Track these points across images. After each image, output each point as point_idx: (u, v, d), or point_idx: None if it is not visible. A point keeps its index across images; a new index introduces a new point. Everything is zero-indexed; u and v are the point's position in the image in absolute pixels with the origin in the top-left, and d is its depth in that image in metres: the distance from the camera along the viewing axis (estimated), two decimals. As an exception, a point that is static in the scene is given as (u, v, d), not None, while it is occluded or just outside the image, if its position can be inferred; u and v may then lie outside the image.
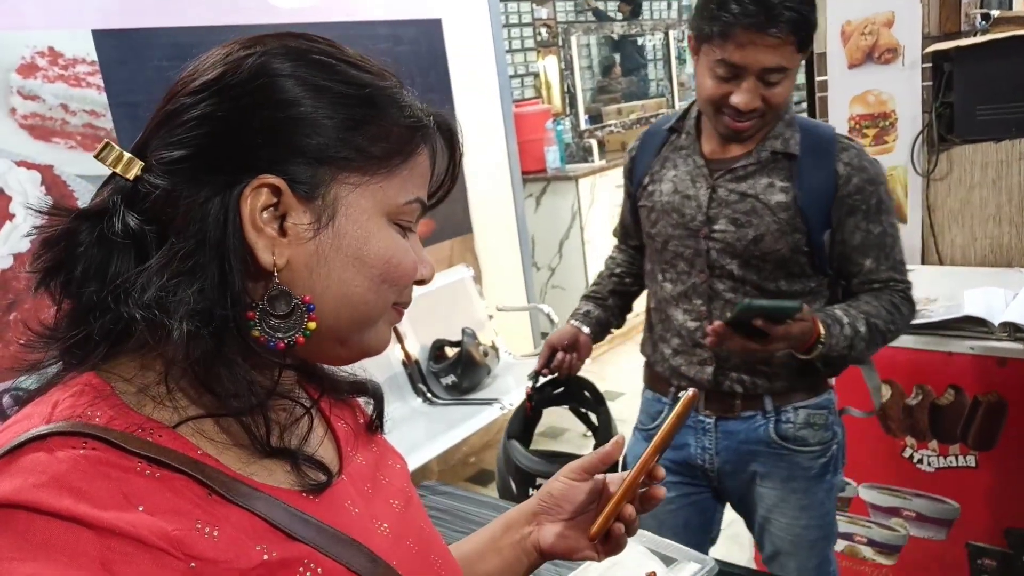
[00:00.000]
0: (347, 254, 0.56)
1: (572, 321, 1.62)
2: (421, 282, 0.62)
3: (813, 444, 1.41)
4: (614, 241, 1.77)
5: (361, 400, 0.72)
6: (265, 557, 0.50)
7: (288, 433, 0.58)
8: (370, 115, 0.56)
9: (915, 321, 1.88)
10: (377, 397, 0.71)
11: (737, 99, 1.26)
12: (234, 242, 0.52)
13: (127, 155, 0.54)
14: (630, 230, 1.61)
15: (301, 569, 0.52)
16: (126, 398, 0.52)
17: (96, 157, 0.54)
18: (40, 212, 0.55)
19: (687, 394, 0.70)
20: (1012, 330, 1.75)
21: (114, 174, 0.55)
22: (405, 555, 0.62)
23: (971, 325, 1.83)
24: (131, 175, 0.54)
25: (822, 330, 1.28)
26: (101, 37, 2.20)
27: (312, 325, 0.55)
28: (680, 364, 1.46)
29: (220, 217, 0.52)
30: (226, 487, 0.51)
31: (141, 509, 0.47)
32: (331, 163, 0.55)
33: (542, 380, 1.62)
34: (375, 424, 0.71)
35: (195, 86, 0.55)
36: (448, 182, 0.64)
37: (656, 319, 1.51)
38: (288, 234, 0.54)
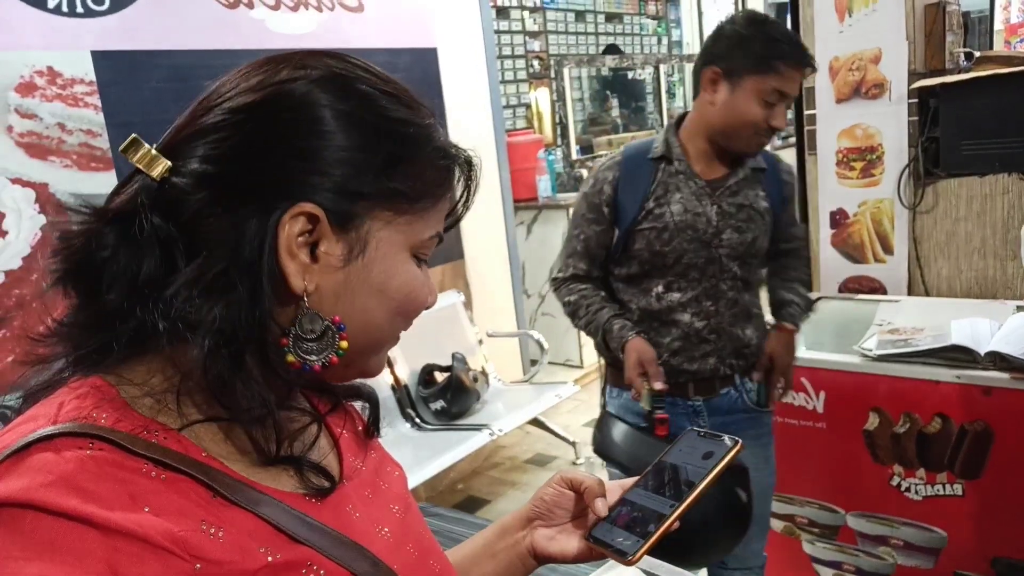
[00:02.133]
0: (372, 286, 0.57)
1: (635, 334, 1.60)
2: (425, 308, 0.64)
3: (766, 405, 1.75)
4: None
5: (357, 405, 0.72)
6: (269, 559, 0.51)
7: (293, 441, 0.58)
8: (407, 155, 0.58)
9: (903, 350, 1.91)
10: (372, 402, 0.72)
11: (778, 121, 1.55)
12: (269, 265, 0.53)
13: (154, 152, 0.54)
14: (598, 259, 1.68)
15: (304, 571, 0.52)
16: (131, 401, 0.52)
17: (122, 151, 0.54)
18: (66, 209, 0.55)
19: (736, 447, 0.72)
20: (997, 359, 1.77)
21: (136, 172, 0.55)
22: (406, 559, 0.62)
23: (957, 355, 1.85)
24: (156, 174, 0.53)
25: (794, 326, 1.74)
26: (100, 58, 2.22)
27: (344, 344, 0.56)
28: (681, 361, 1.65)
29: (256, 239, 0.52)
30: (230, 489, 0.52)
31: (147, 510, 0.47)
32: (367, 198, 0.56)
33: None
34: (371, 429, 0.71)
35: (238, 104, 0.55)
36: (462, 211, 0.66)
37: (646, 329, 1.64)
38: (319, 261, 0.55)
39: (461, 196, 0.65)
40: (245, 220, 0.52)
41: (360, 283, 0.57)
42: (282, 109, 0.54)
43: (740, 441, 0.72)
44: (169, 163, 0.54)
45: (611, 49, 6.52)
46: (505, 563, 0.78)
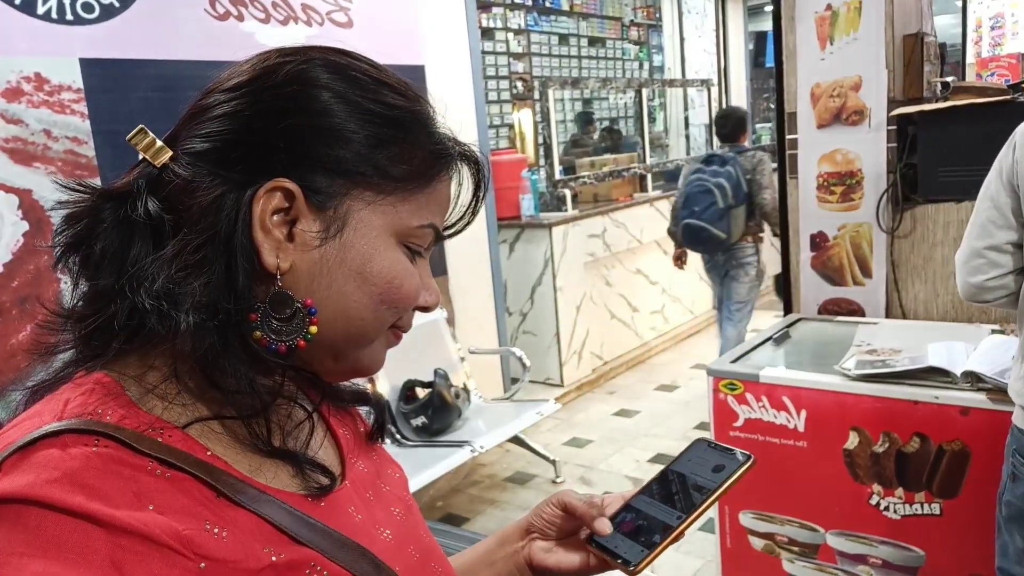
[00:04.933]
0: (350, 268, 0.56)
1: None
2: (425, 309, 0.62)
3: None
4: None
5: (362, 410, 0.72)
6: (273, 559, 0.50)
7: (290, 436, 0.58)
8: (395, 136, 0.57)
9: (881, 370, 1.94)
10: (380, 407, 0.72)
11: None
12: (242, 240, 0.53)
13: (159, 143, 0.55)
14: None
15: (308, 572, 0.52)
16: (136, 398, 0.52)
17: (128, 140, 0.55)
18: (64, 188, 0.56)
19: (749, 462, 0.70)
20: (974, 380, 1.81)
21: (142, 160, 0.56)
22: (407, 562, 0.62)
23: (935, 376, 1.88)
24: (159, 162, 0.55)
25: None
26: (88, 65, 2.21)
27: (314, 329, 0.55)
28: None
29: (232, 214, 0.53)
30: (233, 489, 0.51)
31: (152, 508, 0.47)
32: (348, 177, 0.55)
33: None
34: (376, 434, 0.71)
35: (231, 84, 0.56)
36: (469, 215, 0.65)
37: None
38: (295, 239, 0.55)
39: (471, 201, 0.64)
40: (224, 196, 0.53)
41: (337, 264, 0.56)
42: (265, 87, 0.55)
43: (753, 457, 0.70)
44: (171, 153, 0.55)
45: (585, 116, 6.74)
46: (503, 572, 0.77)
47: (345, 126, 0.55)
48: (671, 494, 0.71)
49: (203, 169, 0.54)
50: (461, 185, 0.63)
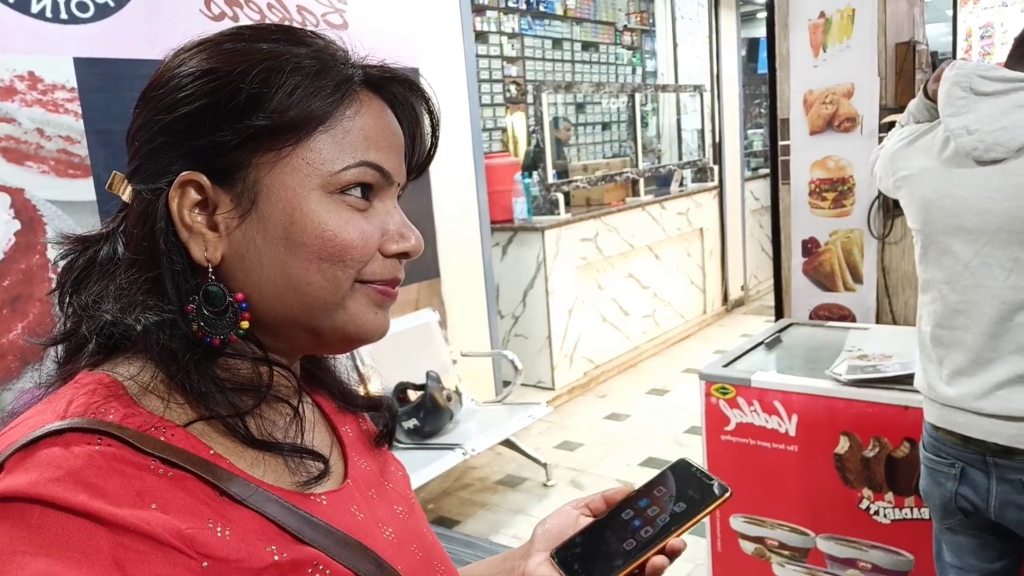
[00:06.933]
0: (275, 236, 0.54)
1: None
2: (403, 255, 0.59)
3: None
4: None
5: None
6: (276, 558, 0.51)
7: (278, 429, 0.58)
8: (272, 86, 0.54)
9: (872, 376, 1.95)
10: (392, 413, 0.72)
11: None
12: (166, 244, 0.54)
13: (125, 179, 0.57)
14: None
15: (310, 571, 0.52)
16: (138, 397, 0.52)
17: (107, 189, 0.58)
18: (53, 242, 0.60)
19: (725, 495, 0.67)
20: (963, 386, 1.82)
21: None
22: (410, 560, 0.62)
23: (924, 381, 1.89)
24: (126, 197, 0.57)
25: None
26: (82, 65, 2.21)
27: (245, 324, 0.55)
28: None
29: (154, 220, 0.55)
30: (237, 488, 0.52)
31: (154, 507, 0.47)
32: (245, 146, 0.54)
33: None
34: (383, 439, 0.71)
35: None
36: (430, 144, 0.62)
37: None
38: (219, 228, 0.55)
39: (430, 130, 0.62)
40: (149, 207, 0.55)
41: (262, 237, 0.54)
42: (150, 94, 0.56)
43: (729, 490, 0.68)
44: (130, 185, 0.57)
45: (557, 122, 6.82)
46: None
47: (215, 100, 0.54)
48: (642, 518, 0.68)
49: (136, 189, 0.56)
50: (387, 113, 0.59)
